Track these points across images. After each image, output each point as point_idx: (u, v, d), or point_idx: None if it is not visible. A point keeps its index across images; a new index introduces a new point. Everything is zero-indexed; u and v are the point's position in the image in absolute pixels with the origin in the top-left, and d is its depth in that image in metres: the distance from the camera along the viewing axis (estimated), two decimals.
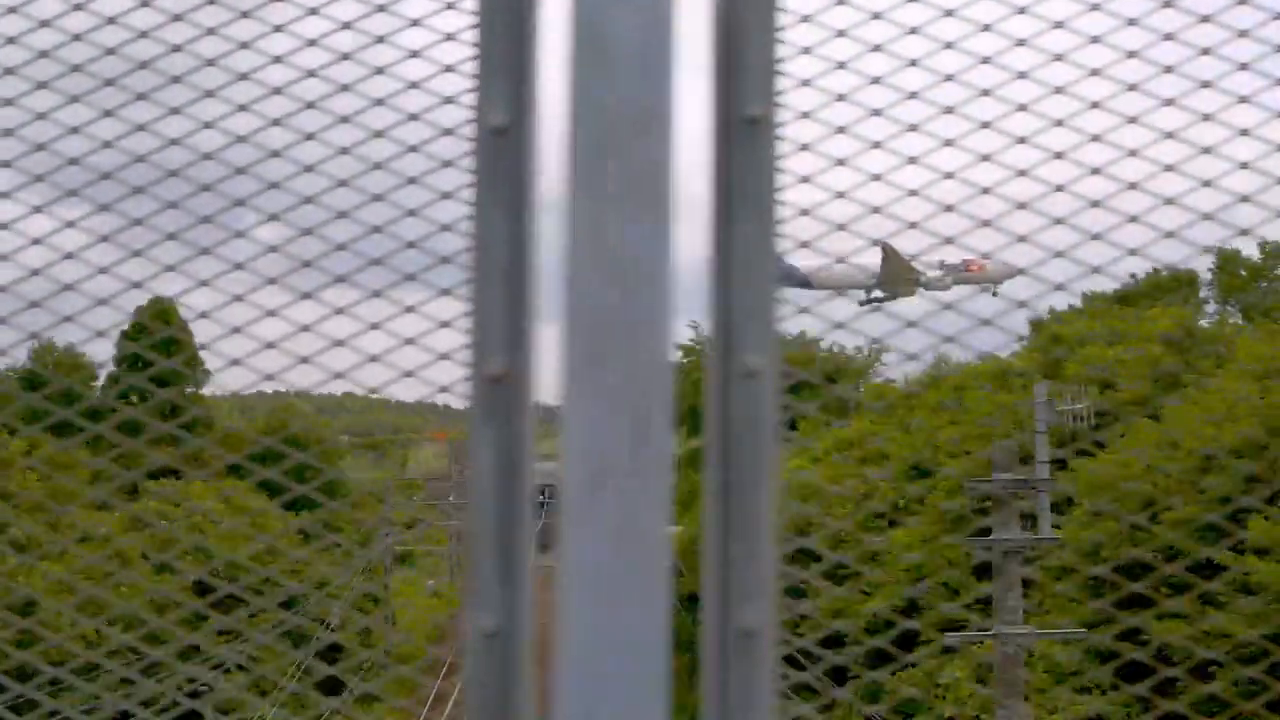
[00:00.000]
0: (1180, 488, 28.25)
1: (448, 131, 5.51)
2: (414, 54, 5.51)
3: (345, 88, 5.52)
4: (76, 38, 5.66)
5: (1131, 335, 39.11)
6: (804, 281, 65.35)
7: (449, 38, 5.25)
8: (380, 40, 5.55)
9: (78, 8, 5.64)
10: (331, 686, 48.40)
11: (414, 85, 5.46)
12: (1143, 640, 27.69)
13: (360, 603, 54.15)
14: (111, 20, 5.62)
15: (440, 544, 76.93)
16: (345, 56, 5.51)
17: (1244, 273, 52.80)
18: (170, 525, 44.38)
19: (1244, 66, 5.19)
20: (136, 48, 5.59)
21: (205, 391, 57.63)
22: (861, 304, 67.50)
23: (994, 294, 66.60)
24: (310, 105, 5.50)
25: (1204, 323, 52.65)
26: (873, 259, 63.29)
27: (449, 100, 5.44)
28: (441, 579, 74.89)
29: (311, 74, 5.51)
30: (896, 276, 66.82)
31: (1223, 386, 29.78)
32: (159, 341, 53.63)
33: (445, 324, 5.47)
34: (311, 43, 5.33)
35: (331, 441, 73.20)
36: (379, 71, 5.54)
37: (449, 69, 5.43)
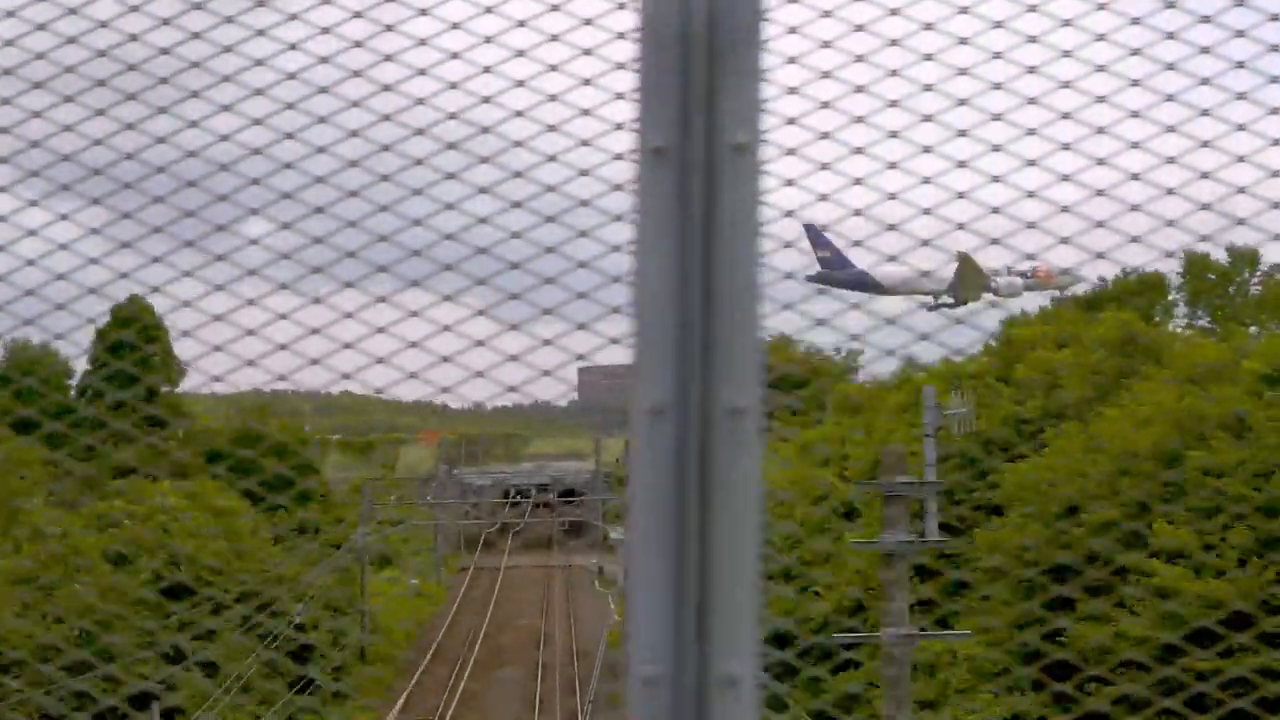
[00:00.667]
0: (1101, 491, 28.39)
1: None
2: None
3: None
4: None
5: (1083, 339, 39.19)
6: (874, 286, 65.67)
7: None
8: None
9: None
10: (305, 685, 48.61)
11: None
12: (1060, 641, 27.83)
13: (336, 601, 54.28)
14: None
15: (425, 543, 77.16)
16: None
17: (1212, 277, 52.80)
18: (133, 523, 44.63)
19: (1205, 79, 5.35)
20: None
21: (181, 390, 58.00)
22: (929, 309, 67.88)
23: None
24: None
25: (1176, 325, 52.70)
26: (946, 265, 63.47)
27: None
28: (428, 578, 75.12)
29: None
30: (969, 283, 67.16)
31: (1147, 391, 29.90)
32: (135, 340, 53.98)
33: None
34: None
35: (314, 440, 73.44)
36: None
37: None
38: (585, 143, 5.54)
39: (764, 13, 2.35)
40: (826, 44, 5.11)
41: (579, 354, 5.63)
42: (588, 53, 5.45)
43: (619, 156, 5.39)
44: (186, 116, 5.88)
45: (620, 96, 5.04)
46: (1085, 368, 35.45)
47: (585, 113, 5.48)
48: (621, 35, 5.06)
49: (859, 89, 5.13)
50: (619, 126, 5.32)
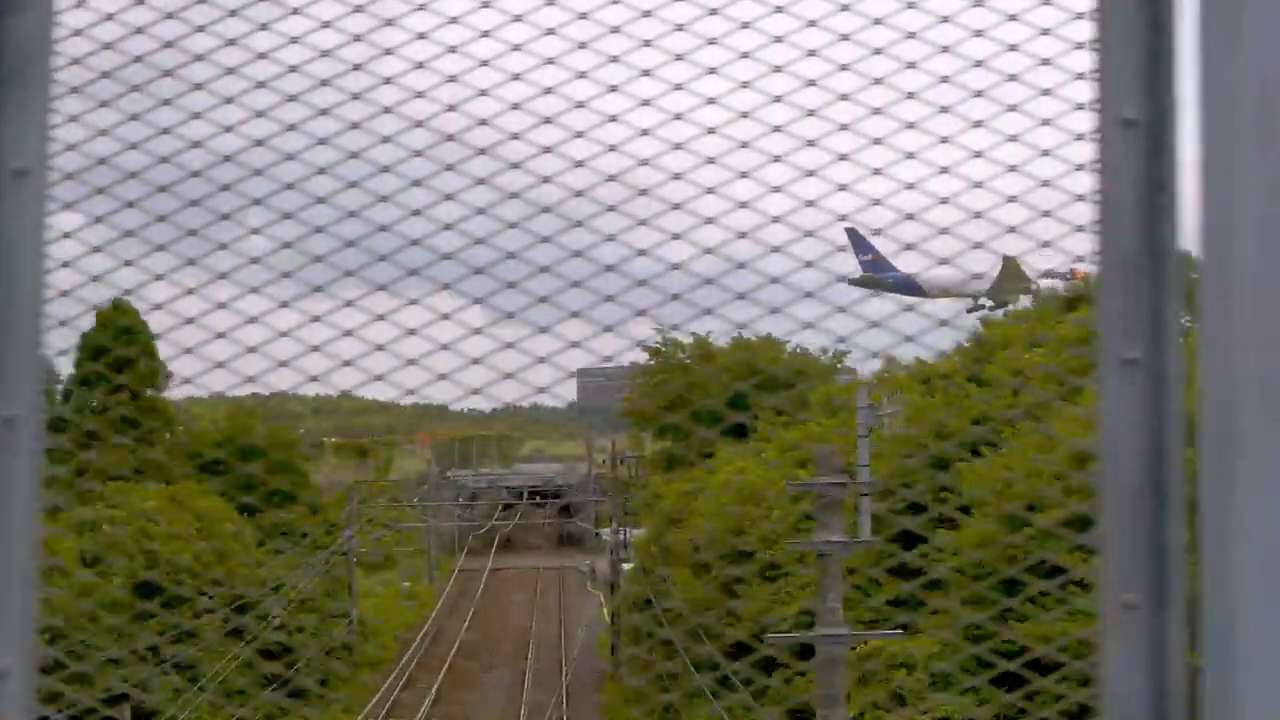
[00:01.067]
0: (1054, 489, 28.46)
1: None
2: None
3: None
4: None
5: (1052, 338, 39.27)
6: (917, 289, 65.93)
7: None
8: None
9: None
10: (290, 689, 48.74)
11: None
12: (1007, 639, 27.92)
13: (323, 605, 54.40)
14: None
15: (419, 545, 77.35)
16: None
17: (1195, 275, 52.62)
18: (112, 527, 44.84)
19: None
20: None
21: (173, 392, 58.20)
22: (969, 310, 68.07)
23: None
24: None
25: None
26: (991, 268, 63.49)
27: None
28: (421, 580, 75.33)
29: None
30: (1010, 286, 67.40)
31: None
32: (119, 343, 54.17)
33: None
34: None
35: (308, 443, 73.60)
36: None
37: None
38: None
39: (51, 40, 2.50)
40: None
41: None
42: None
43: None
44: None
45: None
46: (1048, 367, 35.48)
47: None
48: None
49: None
50: None
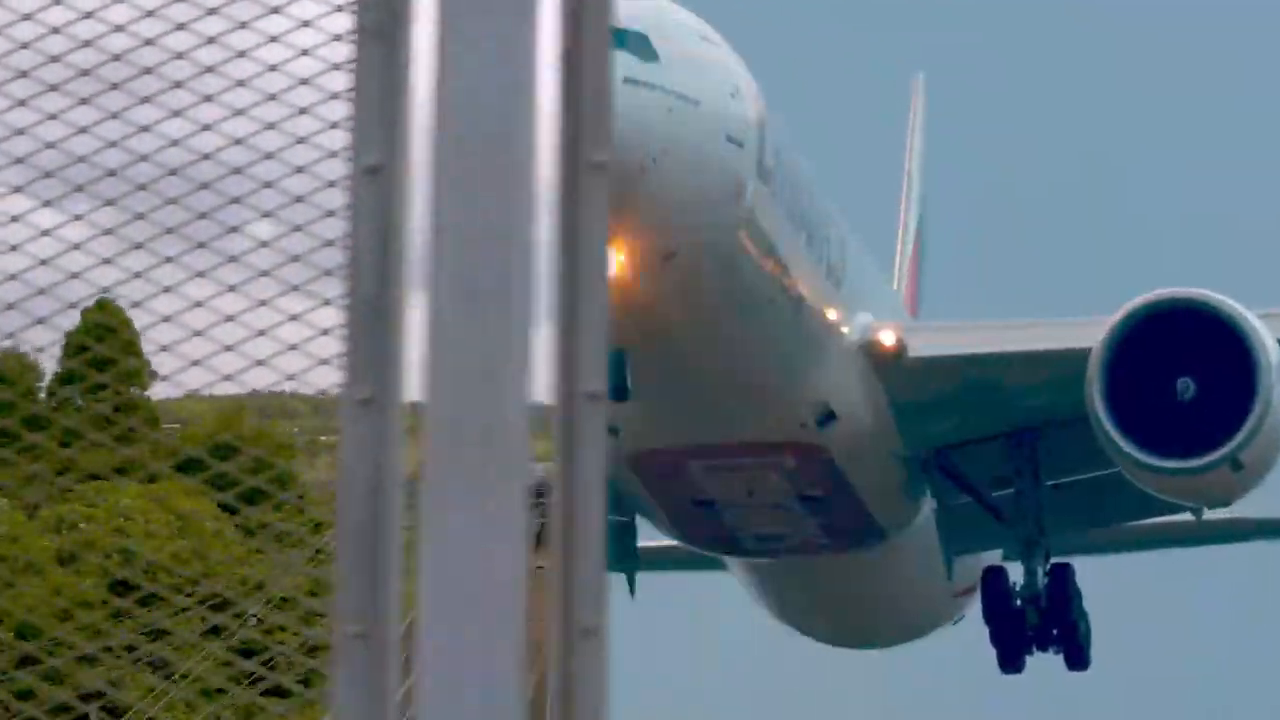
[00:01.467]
0: None
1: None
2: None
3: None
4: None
5: None
6: None
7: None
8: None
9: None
10: (268, 687, 48.67)
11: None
12: None
13: (310, 605, 54.29)
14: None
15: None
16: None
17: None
18: (90, 526, 44.92)
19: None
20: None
21: (165, 394, 58.13)
22: None
23: None
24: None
25: None
26: None
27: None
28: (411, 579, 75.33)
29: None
30: None
31: None
32: (107, 342, 54.20)
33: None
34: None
35: (302, 441, 73.48)
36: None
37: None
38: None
39: None
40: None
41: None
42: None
43: None
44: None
45: None
46: None
47: None
48: None
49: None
50: None
